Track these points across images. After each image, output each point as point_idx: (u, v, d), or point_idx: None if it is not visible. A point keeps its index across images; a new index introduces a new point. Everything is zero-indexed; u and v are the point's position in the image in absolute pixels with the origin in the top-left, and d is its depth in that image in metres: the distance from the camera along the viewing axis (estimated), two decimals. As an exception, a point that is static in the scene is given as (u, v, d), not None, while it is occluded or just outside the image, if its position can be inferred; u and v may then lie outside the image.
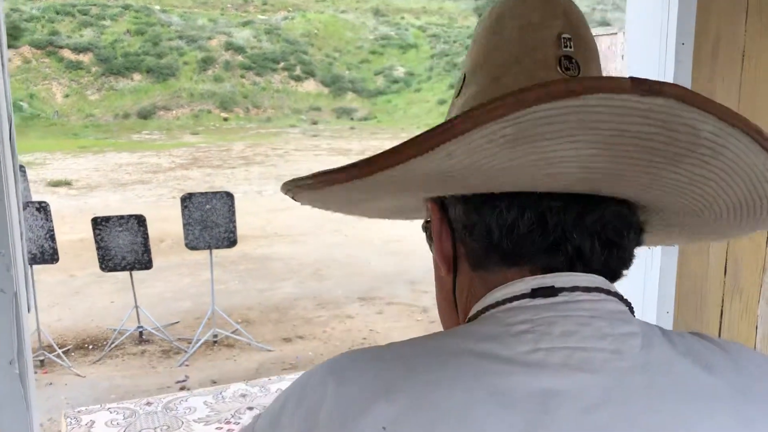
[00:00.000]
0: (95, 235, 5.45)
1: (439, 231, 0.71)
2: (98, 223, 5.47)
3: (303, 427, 0.59)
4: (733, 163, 0.56)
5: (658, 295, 1.44)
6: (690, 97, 0.50)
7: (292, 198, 0.75)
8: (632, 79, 0.50)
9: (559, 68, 0.66)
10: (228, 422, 4.02)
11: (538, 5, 0.68)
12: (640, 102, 0.50)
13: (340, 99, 34.88)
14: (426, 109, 32.33)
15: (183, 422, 4.14)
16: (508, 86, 0.65)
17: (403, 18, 42.80)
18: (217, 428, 4.02)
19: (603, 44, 11.78)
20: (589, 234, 0.63)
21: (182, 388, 5.09)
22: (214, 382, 5.19)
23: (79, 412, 4.53)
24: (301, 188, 0.69)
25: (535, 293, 0.61)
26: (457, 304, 0.71)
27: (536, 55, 0.67)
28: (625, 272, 0.67)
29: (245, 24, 38.35)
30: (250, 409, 3.86)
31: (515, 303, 0.62)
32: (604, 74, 0.68)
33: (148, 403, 4.68)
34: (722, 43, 1.37)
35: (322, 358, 5.20)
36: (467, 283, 0.69)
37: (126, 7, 36.28)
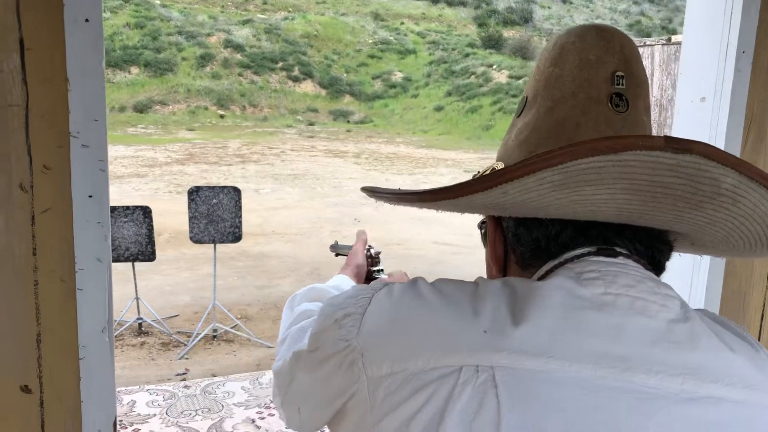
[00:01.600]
0: (101, 225, 5.44)
1: (494, 237, 0.82)
2: (105, 212, 5.45)
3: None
4: (749, 210, 0.66)
5: (705, 298, 1.48)
6: (715, 155, 0.59)
7: (370, 196, 0.87)
8: (666, 138, 0.60)
9: (610, 104, 0.74)
10: (267, 407, 4.06)
11: (596, 42, 0.76)
12: (672, 158, 0.60)
13: (337, 101, 34.87)
14: (422, 114, 32.38)
15: (223, 406, 4.17)
16: (562, 117, 0.76)
17: (402, 23, 42.88)
18: (257, 412, 4.06)
19: (666, 52, 11.92)
20: (630, 242, 0.74)
21: (183, 380, 5.09)
22: (214, 376, 5.19)
23: (119, 391, 4.54)
24: (379, 196, 0.82)
25: (599, 251, 0.72)
26: None
27: (591, 91, 0.75)
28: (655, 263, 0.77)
29: (245, 22, 38.30)
30: None
31: (583, 258, 0.72)
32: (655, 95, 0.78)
33: (187, 386, 4.73)
34: (778, 54, 1.41)
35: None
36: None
37: (126, 0, 36.14)
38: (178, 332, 6.21)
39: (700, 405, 0.63)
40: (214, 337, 6.07)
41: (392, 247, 9.69)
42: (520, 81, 33.03)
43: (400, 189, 0.76)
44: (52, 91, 0.91)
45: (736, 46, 1.35)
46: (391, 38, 40.66)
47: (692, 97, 1.46)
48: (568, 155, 0.60)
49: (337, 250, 1.51)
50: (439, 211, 0.82)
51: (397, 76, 37.24)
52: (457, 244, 10.12)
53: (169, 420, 4.18)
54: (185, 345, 5.84)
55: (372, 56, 38.96)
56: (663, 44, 12.03)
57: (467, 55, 38.32)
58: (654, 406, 0.62)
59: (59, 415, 0.99)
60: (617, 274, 0.70)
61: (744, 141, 1.45)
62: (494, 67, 35.59)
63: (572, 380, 0.62)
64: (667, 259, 0.78)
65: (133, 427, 4.03)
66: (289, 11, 41.39)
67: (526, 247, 0.77)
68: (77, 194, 0.94)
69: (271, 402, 3.76)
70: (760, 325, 1.58)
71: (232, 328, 6.19)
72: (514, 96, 31.45)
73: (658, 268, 0.77)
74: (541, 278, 0.75)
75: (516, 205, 0.68)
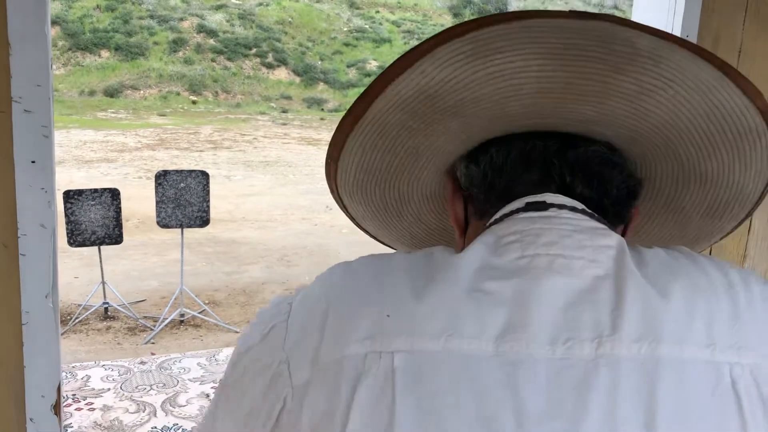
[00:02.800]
0: (66, 209, 5.37)
1: (452, 200, 0.77)
2: (70, 196, 5.39)
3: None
4: (677, 72, 0.62)
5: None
6: (622, 21, 0.61)
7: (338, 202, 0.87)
8: (572, 11, 0.62)
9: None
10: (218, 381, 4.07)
11: None
12: (575, 22, 0.61)
13: (311, 89, 34.69)
14: (397, 104, 32.28)
15: (178, 381, 4.17)
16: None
17: (378, 12, 42.72)
18: (212, 387, 4.07)
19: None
20: (570, 167, 0.69)
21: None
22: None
23: (73, 367, 4.52)
24: (330, 173, 0.80)
25: (528, 207, 0.67)
26: None
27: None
28: (608, 203, 0.70)
29: (219, 8, 37.85)
30: None
31: (510, 217, 0.67)
32: None
33: (142, 362, 4.73)
34: (722, 41, 1.45)
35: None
36: (475, 234, 0.72)
37: (97, -18, 35.52)
38: (145, 317, 6.17)
39: (619, 368, 0.56)
40: (182, 322, 6.05)
41: (360, 235, 9.70)
42: (494, 72, 33.07)
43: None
44: (-5, 55, 0.91)
45: (680, 31, 1.38)
46: (366, 26, 40.51)
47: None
48: (475, 24, 0.62)
49: None
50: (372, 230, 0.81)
51: (372, 65, 37.13)
52: (427, 232, 10.16)
53: (123, 394, 4.18)
54: (152, 330, 5.81)
55: (347, 44, 38.78)
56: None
57: None
58: (562, 377, 0.56)
59: (1, 380, 0.99)
60: (540, 232, 0.64)
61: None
62: (469, 57, 35.60)
63: (472, 359, 0.58)
64: (623, 186, 0.71)
65: (86, 401, 4.02)
66: (263, -3, 41.01)
67: (479, 186, 0.72)
68: (19, 159, 0.94)
69: None
70: None
71: (199, 313, 6.17)
72: (487, 87, 31.48)
73: (604, 194, 0.70)
74: (484, 229, 0.70)
75: (438, 87, 0.66)
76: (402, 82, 0.66)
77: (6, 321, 0.99)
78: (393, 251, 0.71)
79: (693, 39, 1.39)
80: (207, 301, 6.59)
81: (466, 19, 0.79)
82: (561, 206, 0.66)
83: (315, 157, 18.36)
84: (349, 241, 9.41)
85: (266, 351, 0.66)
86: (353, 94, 34.51)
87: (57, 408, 1.02)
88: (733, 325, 0.60)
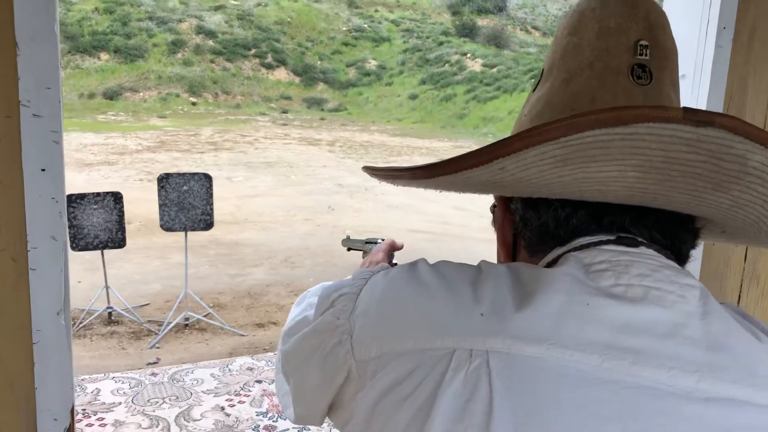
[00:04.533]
0: (68, 213, 5.29)
1: (502, 221, 0.77)
2: (72, 200, 5.33)
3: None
4: None
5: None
6: (741, 128, 0.53)
7: (371, 175, 0.82)
8: (685, 109, 0.53)
9: (630, 77, 0.67)
10: (238, 394, 3.97)
11: (619, 8, 0.69)
12: (691, 132, 0.53)
13: (311, 89, 34.65)
14: (397, 102, 32.30)
15: (191, 393, 4.09)
16: (577, 90, 0.69)
17: (377, 11, 42.68)
18: (227, 400, 3.98)
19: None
20: (649, 229, 0.68)
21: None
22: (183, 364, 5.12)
23: (83, 380, 4.42)
24: (376, 174, 0.77)
25: (620, 240, 0.65)
26: None
27: (610, 61, 0.68)
28: (680, 249, 0.70)
29: (217, 8, 37.82)
30: (259, 382, 3.83)
31: (593, 246, 0.65)
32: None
33: (153, 374, 4.61)
34: (758, 31, 1.39)
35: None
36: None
37: (95, -15, 35.48)
38: (149, 321, 6.12)
39: (717, 407, 0.57)
40: (186, 325, 5.98)
41: (367, 235, 9.65)
42: (494, 69, 33.11)
43: (396, 166, 0.71)
44: (6, 53, 0.84)
45: (717, 23, 1.32)
46: (365, 26, 40.47)
47: (672, 74, 1.44)
48: (571, 127, 0.55)
49: (349, 244, 1.46)
50: (439, 191, 0.77)
51: (372, 64, 37.10)
52: (432, 231, 10.11)
53: (135, 408, 4.07)
54: (156, 334, 5.75)
55: (346, 44, 38.75)
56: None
57: (441, 43, 38.29)
58: (663, 404, 0.57)
59: (11, 403, 0.93)
60: (630, 263, 0.64)
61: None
62: (468, 55, 35.62)
63: (573, 370, 0.57)
64: (692, 248, 0.72)
65: (97, 416, 3.93)
66: (262, -3, 40.96)
67: (534, 232, 0.71)
68: (28, 167, 0.88)
69: (242, 389, 3.69)
70: (737, 306, 1.57)
71: (204, 316, 6.11)
72: (488, 84, 31.51)
73: (680, 258, 0.70)
74: (549, 265, 0.69)
75: (516, 182, 0.62)
76: (474, 172, 0.61)
77: (16, 340, 0.93)
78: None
79: (730, 30, 1.32)
80: (212, 305, 6.53)
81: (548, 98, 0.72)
82: (647, 244, 0.66)
83: (316, 157, 18.32)
84: (353, 241, 9.35)
85: (334, 313, 0.67)
86: (353, 94, 34.49)
87: (71, 431, 0.95)
88: None
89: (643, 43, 0.68)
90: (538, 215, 0.70)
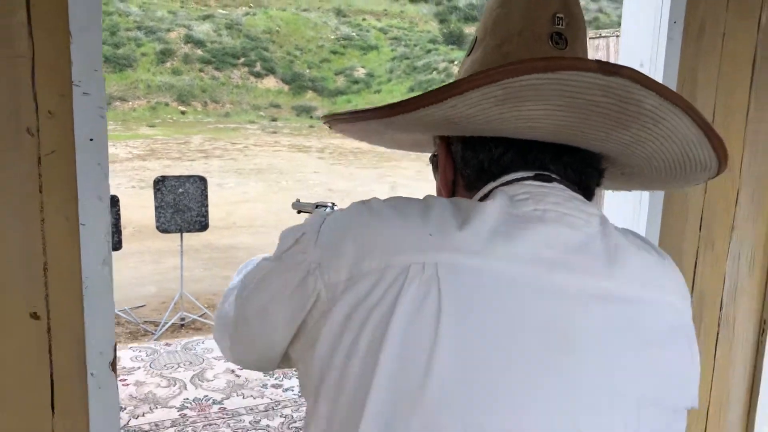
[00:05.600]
0: (67, 214, 5.42)
1: (444, 163, 0.90)
2: (71, 201, 5.44)
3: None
4: (669, 131, 0.75)
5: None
6: (640, 79, 0.68)
7: (329, 128, 0.96)
8: (598, 61, 0.68)
9: (550, 42, 0.82)
10: None
11: None
12: (602, 79, 0.68)
13: (300, 97, 34.77)
14: (385, 110, 32.36)
15: (204, 359, 4.36)
16: (509, 54, 0.83)
17: (364, 19, 42.90)
18: (232, 368, 4.24)
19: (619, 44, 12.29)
20: (564, 167, 0.83)
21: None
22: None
23: None
24: (338, 120, 0.89)
25: (537, 177, 0.81)
26: None
27: (534, 29, 0.83)
28: (587, 187, 0.87)
29: (205, 18, 37.93)
30: None
31: (519, 182, 0.80)
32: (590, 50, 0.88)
33: (168, 344, 5.07)
34: (707, 26, 1.57)
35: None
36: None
37: (83, -5, 35.41)
38: (146, 321, 6.23)
39: (615, 303, 0.73)
40: (182, 325, 6.10)
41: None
42: (482, 76, 33.23)
43: (357, 109, 0.84)
44: (55, 43, 1.01)
45: (668, 17, 1.50)
46: (353, 34, 40.64)
47: (632, 63, 1.61)
48: (510, 72, 0.68)
49: (299, 207, 1.53)
50: (390, 149, 0.92)
51: (360, 72, 37.28)
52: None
53: (153, 372, 4.49)
54: (153, 333, 5.87)
55: (334, 52, 38.89)
56: (617, 36, 12.39)
57: (429, 51, 38.54)
58: (574, 302, 0.72)
59: (65, 339, 1.09)
60: (546, 194, 0.78)
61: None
62: (456, 63, 35.86)
63: (505, 277, 0.71)
64: (597, 184, 0.87)
65: (120, 378, 4.22)
66: (250, 6, 41.10)
67: (473, 169, 0.85)
68: (79, 138, 1.04)
69: None
70: (694, 272, 1.74)
71: (200, 316, 6.23)
72: (475, 91, 31.61)
73: (588, 192, 0.85)
74: (482, 199, 0.82)
75: (465, 119, 0.76)
76: (430, 109, 0.75)
77: (68, 286, 1.08)
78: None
79: (680, 25, 1.50)
80: (207, 305, 6.65)
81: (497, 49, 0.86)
82: (559, 180, 0.81)
83: (306, 164, 18.44)
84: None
85: (299, 250, 0.76)
86: (342, 102, 34.62)
87: (113, 365, 1.11)
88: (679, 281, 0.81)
89: (560, 15, 0.83)
90: (475, 154, 0.84)
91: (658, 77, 1.54)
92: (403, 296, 0.69)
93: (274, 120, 30.70)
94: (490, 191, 0.82)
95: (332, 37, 40.25)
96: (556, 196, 0.78)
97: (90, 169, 1.05)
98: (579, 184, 0.84)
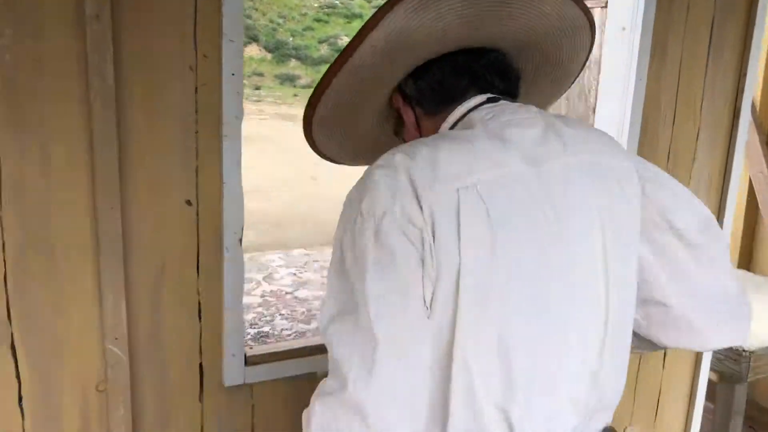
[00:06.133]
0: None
1: (405, 109, 1.13)
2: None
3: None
4: (552, 8, 1.04)
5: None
6: None
7: (309, 140, 1.29)
8: None
9: None
10: (302, 266, 4.64)
11: None
12: None
13: (283, 65, 34.77)
14: (369, 79, 32.52)
15: (269, 266, 4.75)
16: None
17: (347, -13, 42.72)
18: (295, 268, 4.67)
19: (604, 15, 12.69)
20: (486, 69, 1.07)
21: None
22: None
23: None
24: (310, 109, 1.18)
25: (489, 100, 1.05)
26: None
27: None
28: (513, 89, 1.12)
29: (187, -16, 37.50)
30: (316, 261, 4.56)
31: (478, 108, 1.04)
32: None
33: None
34: (674, -3, 2.00)
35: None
36: (432, 126, 1.10)
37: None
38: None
39: (577, 156, 0.98)
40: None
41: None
42: (465, 46, 33.40)
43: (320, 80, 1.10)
44: (212, 5, 1.41)
45: (646, -16, 1.91)
46: (337, 2, 40.50)
47: (616, 27, 2.02)
48: None
49: None
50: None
51: (344, 41, 37.23)
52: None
53: None
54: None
55: (318, 20, 38.80)
56: (602, 7, 12.80)
57: None
58: (553, 166, 0.96)
59: (208, 221, 1.50)
60: (501, 110, 1.01)
61: (650, 63, 2.04)
62: (439, 32, 35.92)
63: (510, 176, 0.93)
64: (517, 81, 1.12)
65: None
66: (232, -27, 40.69)
67: (430, 95, 1.08)
68: (225, 73, 1.45)
69: (303, 265, 4.47)
70: (667, 157, 2.17)
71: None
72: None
73: (514, 87, 1.10)
74: (455, 125, 1.05)
75: (399, 35, 0.99)
76: (375, 33, 0.99)
77: (213, 182, 1.49)
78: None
79: (654, -3, 1.94)
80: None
81: None
82: (503, 97, 1.07)
83: (293, 132, 18.65)
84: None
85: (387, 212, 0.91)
86: (325, 70, 34.64)
87: (240, 241, 1.53)
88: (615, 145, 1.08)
89: None
90: (429, 83, 1.07)
91: (637, 40, 1.96)
92: (462, 207, 0.89)
93: (258, 88, 30.75)
94: (463, 116, 1.04)
95: (316, 5, 40.09)
96: (508, 109, 1.02)
97: (231, 96, 1.45)
98: (511, 93, 1.09)
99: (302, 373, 1.71)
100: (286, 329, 2.93)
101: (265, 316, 3.15)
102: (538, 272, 0.93)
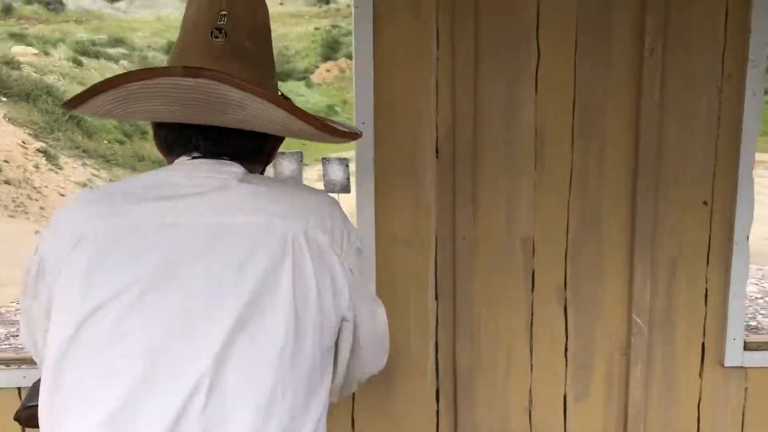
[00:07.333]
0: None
1: (155, 137, 1.13)
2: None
3: None
4: (258, 111, 0.95)
5: None
6: (222, 78, 0.88)
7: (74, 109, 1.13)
8: (183, 67, 0.90)
9: (211, 36, 1.01)
10: None
11: None
12: (188, 80, 0.89)
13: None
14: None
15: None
16: (188, 41, 1.04)
17: None
18: None
19: None
20: (211, 143, 1.04)
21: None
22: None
23: None
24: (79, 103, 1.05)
25: (193, 157, 1.04)
26: None
27: (201, 25, 1.02)
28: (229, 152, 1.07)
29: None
30: None
31: (187, 160, 1.05)
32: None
33: None
34: None
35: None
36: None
37: None
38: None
39: (217, 226, 0.96)
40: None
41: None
42: None
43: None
44: (743, 36, 1.71)
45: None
46: None
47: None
48: (116, 81, 0.91)
49: None
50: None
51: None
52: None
53: None
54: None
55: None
56: None
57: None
58: (185, 230, 0.96)
59: (720, 218, 1.80)
60: (197, 166, 1.03)
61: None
62: None
63: (140, 227, 0.97)
64: (246, 147, 1.07)
65: None
66: None
67: (163, 143, 1.10)
68: (747, 93, 1.74)
69: None
70: None
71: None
72: None
73: (242, 155, 1.06)
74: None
75: (110, 111, 1.00)
76: (89, 103, 0.96)
77: (727, 184, 1.77)
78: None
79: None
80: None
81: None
82: (202, 156, 1.05)
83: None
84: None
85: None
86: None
87: (747, 238, 1.77)
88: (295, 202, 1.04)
89: (224, 12, 1.02)
90: (158, 136, 1.10)
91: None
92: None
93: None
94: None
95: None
96: (203, 166, 1.03)
97: (750, 112, 1.73)
98: (223, 151, 1.05)
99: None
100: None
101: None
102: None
